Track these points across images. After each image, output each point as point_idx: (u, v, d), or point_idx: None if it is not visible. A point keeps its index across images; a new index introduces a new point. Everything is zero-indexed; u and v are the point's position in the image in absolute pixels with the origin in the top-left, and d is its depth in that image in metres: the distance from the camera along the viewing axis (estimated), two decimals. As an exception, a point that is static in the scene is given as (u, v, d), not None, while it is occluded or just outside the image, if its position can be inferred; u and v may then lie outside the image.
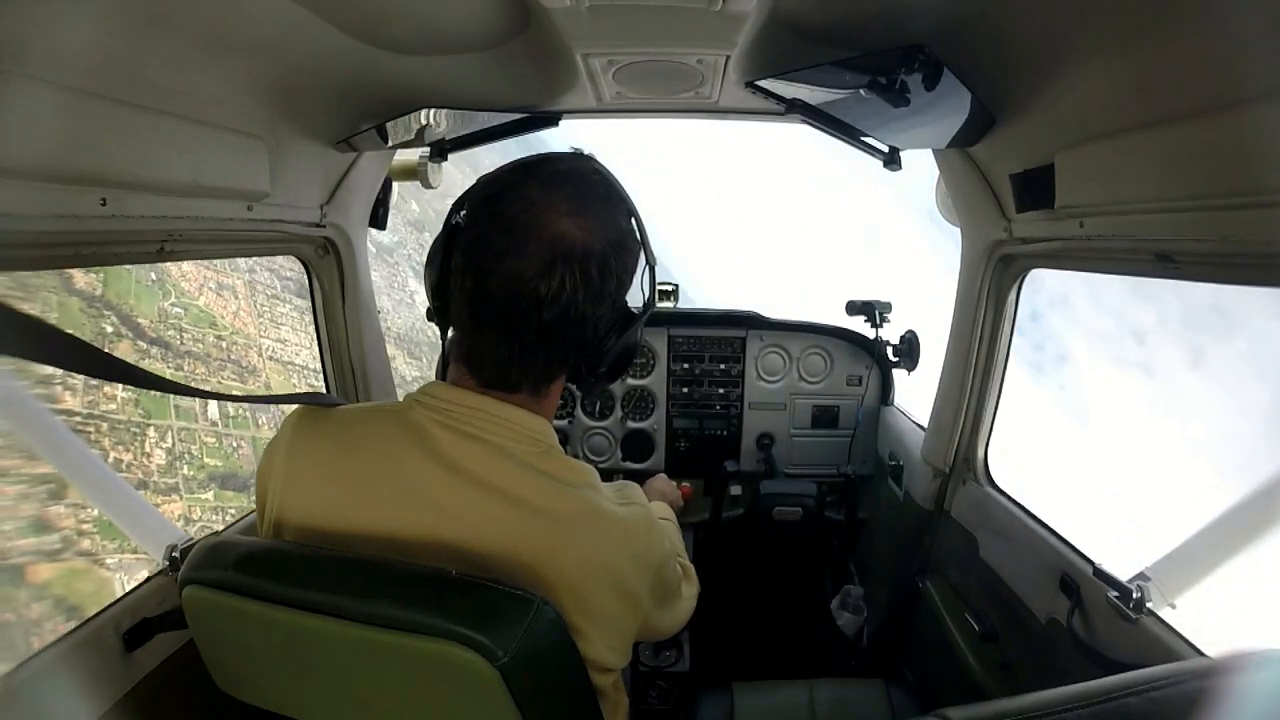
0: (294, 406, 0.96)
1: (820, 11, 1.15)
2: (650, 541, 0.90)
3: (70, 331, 0.78)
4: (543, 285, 0.81)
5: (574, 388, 1.11)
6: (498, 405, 0.87)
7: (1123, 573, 1.28)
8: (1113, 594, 1.25)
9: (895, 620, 2.25)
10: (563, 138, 1.86)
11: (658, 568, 0.92)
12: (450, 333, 0.94)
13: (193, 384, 1.42)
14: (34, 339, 0.73)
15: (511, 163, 0.90)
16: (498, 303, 0.82)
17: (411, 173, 1.95)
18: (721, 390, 2.64)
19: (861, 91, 1.24)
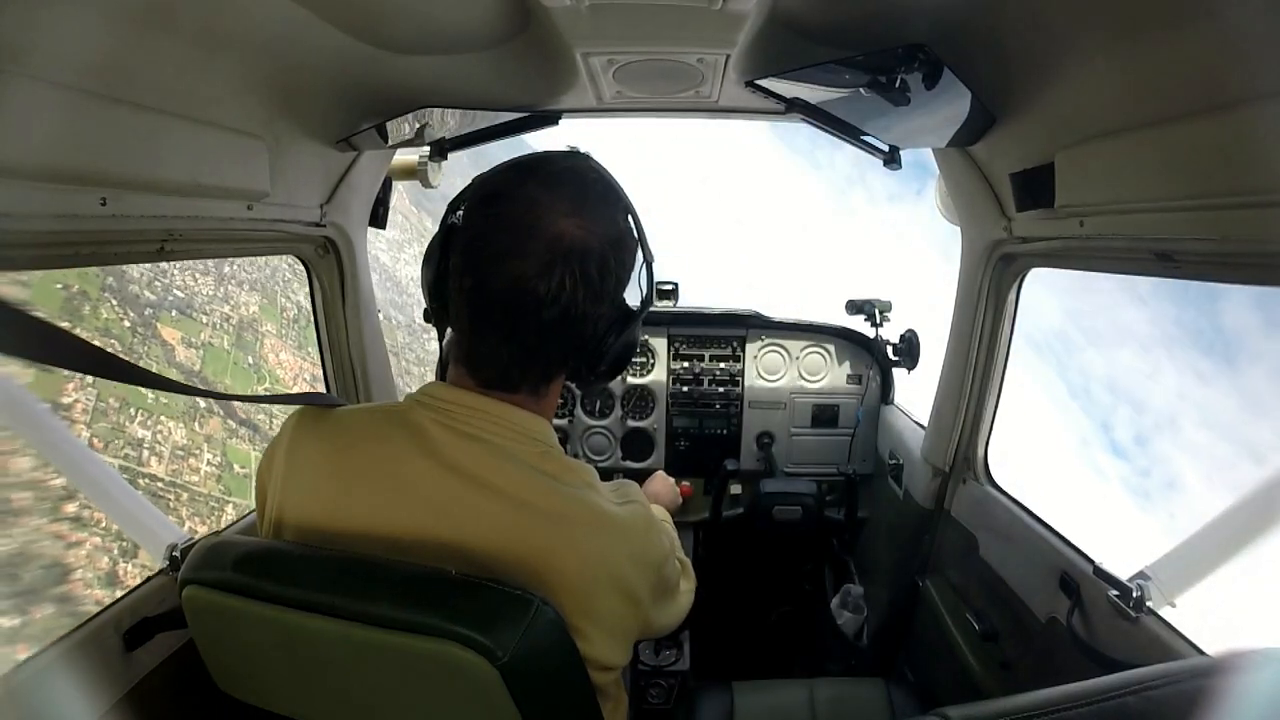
0: (295, 407, 0.96)
1: (820, 11, 1.15)
2: (650, 540, 0.90)
3: (68, 327, 0.78)
4: (542, 285, 0.81)
5: (573, 386, 1.11)
6: (498, 406, 0.87)
7: (1123, 572, 1.28)
8: (1113, 593, 1.25)
9: (895, 619, 2.25)
10: (562, 137, 1.86)
11: (658, 566, 0.92)
12: (449, 333, 0.94)
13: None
14: (35, 337, 0.73)
15: (508, 162, 0.89)
16: (498, 304, 0.82)
17: (411, 172, 1.95)
18: (721, 389, 2.64)
19: (862, 90, 1.24)
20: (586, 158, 0.93)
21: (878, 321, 2.42)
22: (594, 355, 0.92)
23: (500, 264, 0.81)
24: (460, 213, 0.88)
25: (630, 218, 0.93)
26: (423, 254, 0.96)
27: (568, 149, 0.94)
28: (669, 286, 2.51)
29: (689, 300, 2.60)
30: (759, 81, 1.39)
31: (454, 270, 0.86)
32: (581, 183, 0.88)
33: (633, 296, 0.96)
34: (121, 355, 0.84)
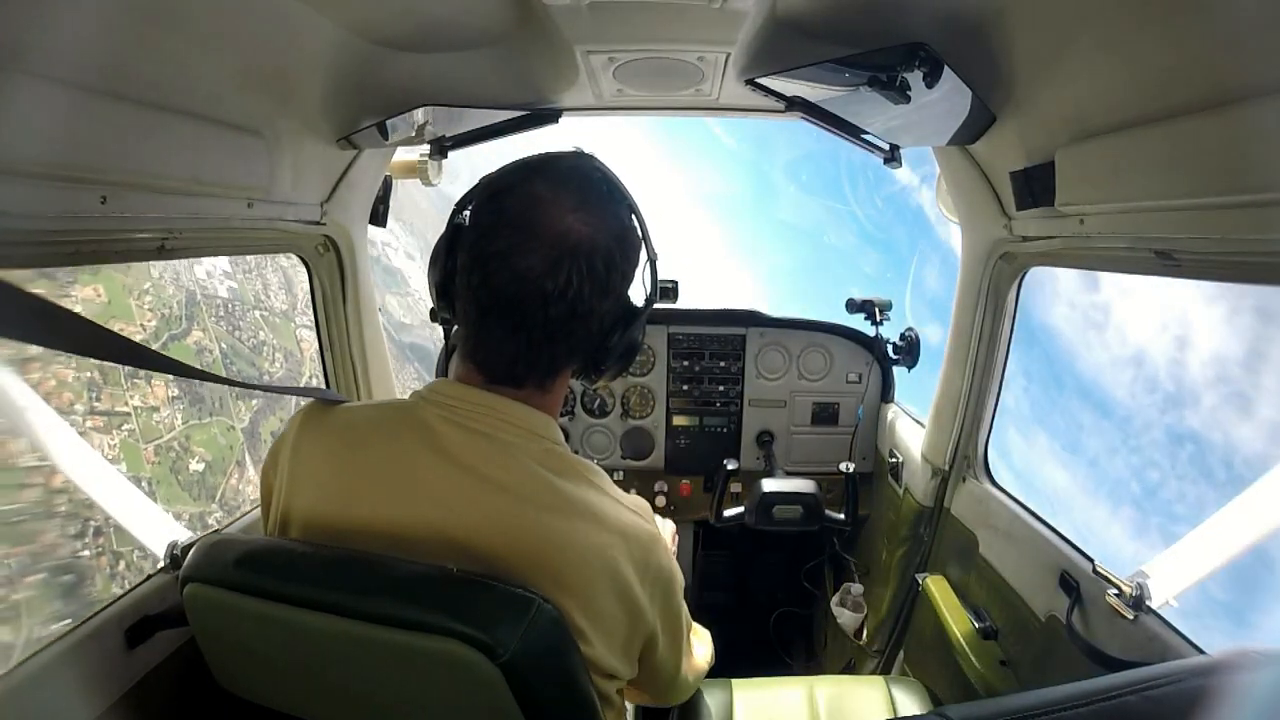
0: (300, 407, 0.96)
1: (820, 8, 1.15)
2: (653, 553, 0.89)
3: (75, 311, 0.77)
4: (549, 282, 0.82)
5: (574, 384, 1.11)
6: (504, 402, 0.88)
7: (1122, 570, 1.28)
8: (1112, 592, 1.25)
9: (895, 617, 2.26)
10: (562, 135, 1.86)
11: (663, 584, 0.91)
12: (454, 330, 0.94)
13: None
14: (40, 322, 0.72)
15: (514, 162, 0.90)
16: (505, 300, 0.83)
17: (412, 170, 1.94)
18: (721, 388, 2.64)
19: (862, 89, 1.24)
20: (591, 157, 0.94)
21: (878, 320, 2.42)
22: (600, 351, 0.93)
23: (507, 260, 0.82)
24: (467, 211, 0.90)
25: (634, 215, 0.94)
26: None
27: (573, 149, 0.95)
28: (669, 284, 2.50)
29: (689, 301, 2.59)
30: (759, 80, 1.39)
31: (461, 267, 0.87)
32: (586, 180, 0.89)
33: (637, 293, 0.97)
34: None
